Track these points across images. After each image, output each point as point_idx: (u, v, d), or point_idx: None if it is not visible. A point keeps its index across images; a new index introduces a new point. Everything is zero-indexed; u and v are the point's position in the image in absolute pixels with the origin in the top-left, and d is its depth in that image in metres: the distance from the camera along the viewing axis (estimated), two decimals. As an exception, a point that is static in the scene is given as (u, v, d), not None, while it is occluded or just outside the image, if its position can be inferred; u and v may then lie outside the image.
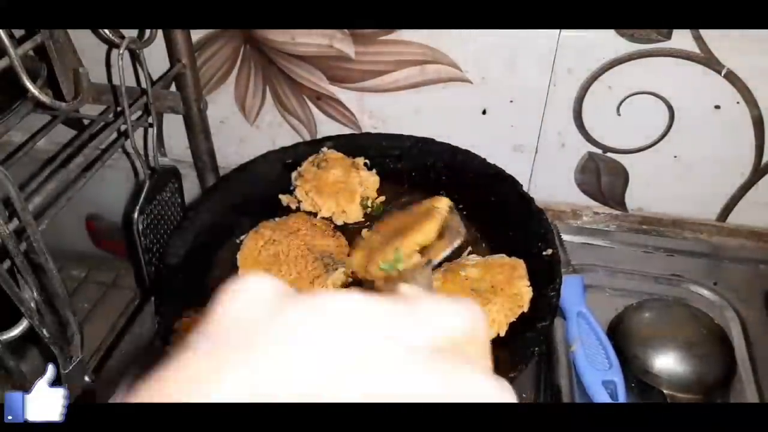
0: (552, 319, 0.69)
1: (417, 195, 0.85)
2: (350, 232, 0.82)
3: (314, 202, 0.83)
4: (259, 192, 0.87)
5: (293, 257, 0.76)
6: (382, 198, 0.85)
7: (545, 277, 0.71)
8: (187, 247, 0.79)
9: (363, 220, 0.84)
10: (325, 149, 0.89)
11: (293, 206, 0.85)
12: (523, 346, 0.65)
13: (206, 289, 0.75)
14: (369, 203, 0.84)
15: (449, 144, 0.89)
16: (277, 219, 0.82)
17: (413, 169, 0.89)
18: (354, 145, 0.90)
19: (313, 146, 0.90)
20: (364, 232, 0.81)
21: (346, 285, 0.74)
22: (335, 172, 0.84)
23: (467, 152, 0.88)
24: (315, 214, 0.84)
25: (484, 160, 0.87)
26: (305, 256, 0.76)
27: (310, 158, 0.88)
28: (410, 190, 0.87)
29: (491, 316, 0.67)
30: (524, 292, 0.69)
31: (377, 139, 0.92)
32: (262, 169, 0.89)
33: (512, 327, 0.68)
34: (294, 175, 0.87)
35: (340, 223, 0.83)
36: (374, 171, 0.87)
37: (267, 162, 0.90)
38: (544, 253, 0.74)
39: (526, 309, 0.69)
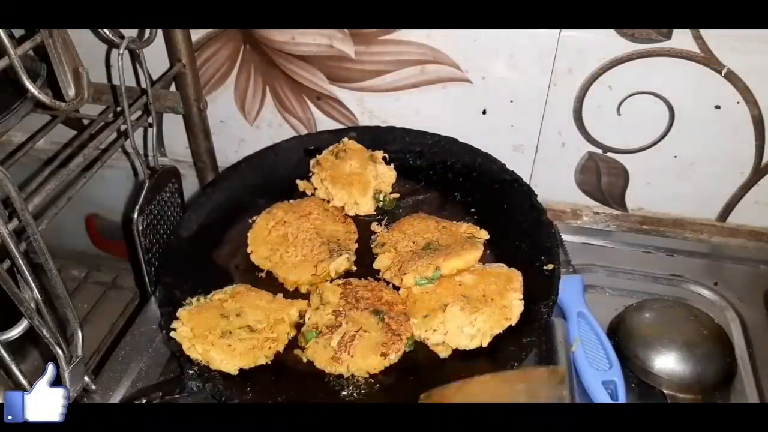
0: (539, 336, 0.68)
1: (432, 193, 0.86)
2: (360, 224, 0.82)
3: (328, 191, 0.84)
4: (279, 175, 0.88)
5: (301, 240, 0.77)
6: (396, 195, 0.86)
7: (541, 293, 0.70)
8: (201, 221, 0.81)
9: (374, 213, 0.84)
10: (345, 139, 0.89)
11: (309, 192, 0.86)
12: (502, 359, 0.65)
13: (211, 263, 0.76)
14: (381, 197, 0.85)
15: (471, 146, 0.89)
16: (291, 201, 0.83)
17: (432, 167, 0.89)
18: (377, 137, 0.90)
19: (336, 135, 0.91)
20: (374, 225, 0.82)
21: (348, 272, 0.76)
22: (352, 163, 0.85)
23: (487, 156, 0.87)
24: (328, 202, 0.84)
25: (504, 165, 0.86)
26: (313, 239, 0.77)
27: (331, 147, 0.88)
28: (426, 188, 0.87)
29: (476, 326, 0.67)
30: (515, 305, 0.69)
31: (401, 134, 0.91)
32: (284, 153, 0.90)
33: (497, 338, 0.67)
34: (312, 162, 0.88)
35: (351, 214, 0.84)
36: (392, 165, 0.87)
37: (289, 146, 0.91)
38: (545, 267, 0.73)
39: (514, 322, 0.68)
